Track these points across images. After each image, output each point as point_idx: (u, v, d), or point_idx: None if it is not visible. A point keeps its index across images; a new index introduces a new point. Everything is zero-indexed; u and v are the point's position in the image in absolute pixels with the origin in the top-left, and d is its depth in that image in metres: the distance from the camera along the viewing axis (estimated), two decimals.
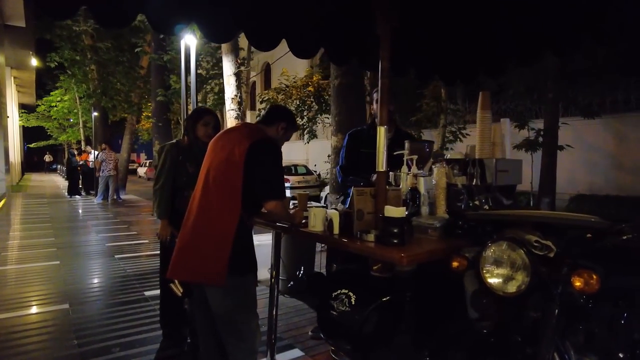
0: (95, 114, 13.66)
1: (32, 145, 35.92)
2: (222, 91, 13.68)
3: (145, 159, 32.60)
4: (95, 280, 4.44)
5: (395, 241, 1.73)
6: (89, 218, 9.06)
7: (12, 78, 21.72)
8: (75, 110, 21.72)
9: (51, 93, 22.61)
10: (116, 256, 5.40)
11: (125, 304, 3.67)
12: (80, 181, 14.30)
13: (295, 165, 14.43)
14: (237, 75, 5.79)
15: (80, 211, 10.27)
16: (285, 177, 13.82)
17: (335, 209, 2.13)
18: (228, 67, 5.72)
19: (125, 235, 7.01)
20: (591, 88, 9.60)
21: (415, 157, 2.24)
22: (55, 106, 22.91)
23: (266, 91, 14.75)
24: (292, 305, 3.56)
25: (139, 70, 13.61)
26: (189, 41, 5.21)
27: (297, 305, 3.55)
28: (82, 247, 6.00)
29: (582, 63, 8.69)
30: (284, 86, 13.47)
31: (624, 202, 9.33)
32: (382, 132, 1.94)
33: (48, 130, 31.58)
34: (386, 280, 1.96)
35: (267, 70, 25.69)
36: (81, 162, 14.15)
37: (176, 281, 2.61)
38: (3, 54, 15.44)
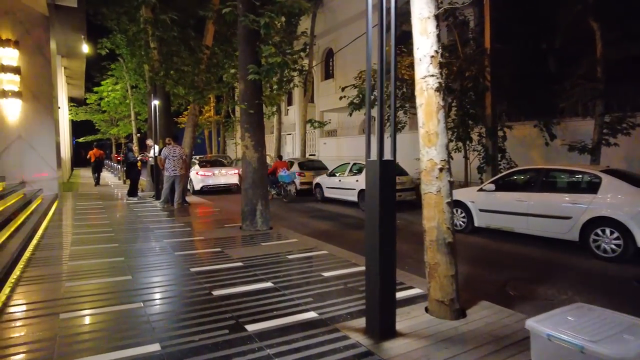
0: (156, 102, 11.66)
1: (80, 140, 35.16)
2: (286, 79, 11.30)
3: (193, 155, 30.91)
4: None
5: None
6: (162, 234, 6.91)
7: (62, 68, 20.37)
8: (127, 101, 20.17)
9: (102, 82, 21.16)
10: (248, 329, 3.09)
11: None
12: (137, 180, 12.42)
13: None
14: (437, 18, 3.40)
15: (148, 222, 8.17)
16: None
17: None
18: (423, 5, 3.33)
19: (221, 263, 4.75)
20: None
21: None
22: (107, 97, 21.44)
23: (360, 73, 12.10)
24: None
25: (205, 51, 11.49)
26: None
27: None
28: (170, 286, 3.77)
29: None
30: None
31: None
32: None
33: (96, 124, 30.59)
34: None
35: (327, 59, 23.23)
36: (139, 158, 12.28)
37: None
38: (54, 40, 13.74)
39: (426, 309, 3.53)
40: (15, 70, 10.34)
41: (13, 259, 4.64)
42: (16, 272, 4.51)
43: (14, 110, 10.39)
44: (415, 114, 12.74)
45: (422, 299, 3.76)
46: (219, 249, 5.72)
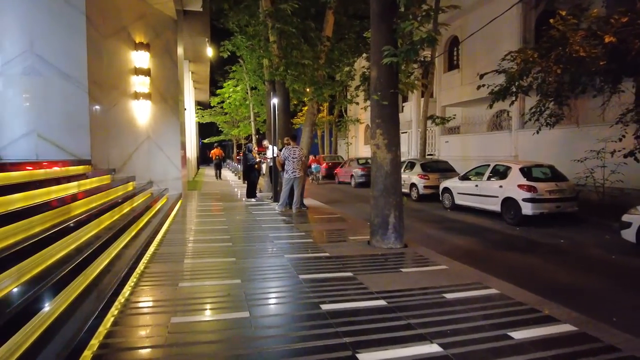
0: (275, 100, 11.12)
1: (205, 141, 37.88)
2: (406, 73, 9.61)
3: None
4: None
5: None
6: (282, 246, 6.04)
7: (190, 73, 21.59)
8: (247, 102, 20.62)
9: (224, 85, 22.04)
10: None
11: None
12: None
13: (533, 166, 9.68)
14: None
15: (266, 230, 7.45)
16: (529, 184, 9.25)
17: None
18: None
19: (357, 299, 3.54)
20: None
21: None
22: (228, 98, 22.29)
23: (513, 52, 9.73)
24: None
25: (325, 42, 10.59)
26: None
27: None
28: (298, 336, 2.67)
29: None
30: (557, 34, 8.10)
31: None
32: None
33: (219, 126, 32.43)
34: None
35: (450, 49, 20.90)
36: (258, 159, 11.89)
37: None
38: (182, 44, 14.17)
39: None
40: (146, 73, 10.59)
41: (123, 275, 4.04)
42: (125, 293, 3.88)
43: (143, 112, 10.67)
44: (568, 105, 9.94)
45: None
46: (349, 274, 4.56)
